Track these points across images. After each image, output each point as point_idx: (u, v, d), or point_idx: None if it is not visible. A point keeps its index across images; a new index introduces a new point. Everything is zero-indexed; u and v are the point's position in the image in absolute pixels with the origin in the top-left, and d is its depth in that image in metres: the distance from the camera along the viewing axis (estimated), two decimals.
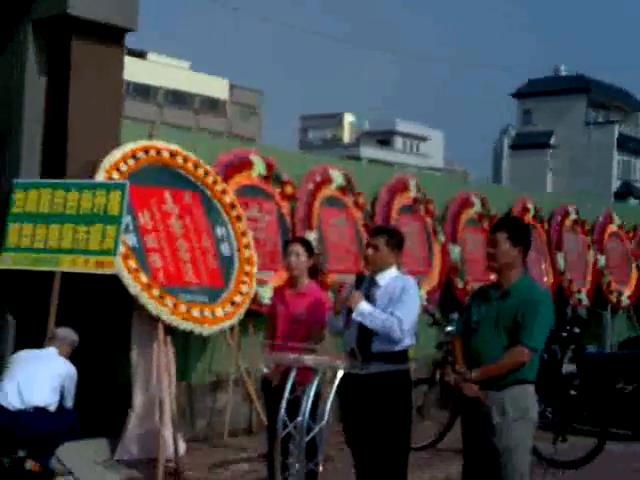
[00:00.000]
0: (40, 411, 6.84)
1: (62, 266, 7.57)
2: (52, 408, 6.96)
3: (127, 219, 7.74)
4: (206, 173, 8.65)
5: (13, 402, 6.73)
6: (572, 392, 9.08)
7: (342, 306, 5.75)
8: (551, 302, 5.35)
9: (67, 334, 7.29)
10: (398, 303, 5.60)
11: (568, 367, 10.04)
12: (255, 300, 8.75)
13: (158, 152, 8.30)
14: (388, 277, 5.77)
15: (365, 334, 5.64)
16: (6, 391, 6.78)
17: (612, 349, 13.53)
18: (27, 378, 6.88)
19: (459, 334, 5.46)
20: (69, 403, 7.15)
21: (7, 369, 7.03)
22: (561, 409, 8.66)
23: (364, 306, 5.60)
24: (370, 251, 5.82)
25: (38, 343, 7.29)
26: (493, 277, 5.46)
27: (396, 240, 5.87)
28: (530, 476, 5.21)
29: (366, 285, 5.78)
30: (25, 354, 7.14)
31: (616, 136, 64.66)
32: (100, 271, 7.50)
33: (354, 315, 5.60)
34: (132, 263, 7.62)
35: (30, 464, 6.75)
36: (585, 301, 13.76)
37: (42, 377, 6.94)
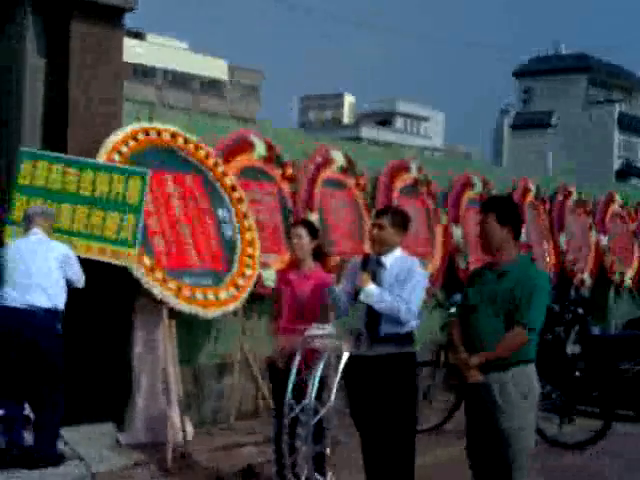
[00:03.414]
0: (47, 312, 6.76)
1: (77, 251, 7.26)
2: (59, 306, 6.86)
3: None
4: (207, 155, 8.59)
5: (18, 300, 6.70)
6: (577, 373, 9.06)
7: (347, 286, 5.71)
8: (547, 280, 5.32)
9: (37, 210, 7.12)
10: (405, 285, 5.56)
11: (572, 348, 10.01)
12: (258, 283, 8.72)
13: (159, 134, 8.23)
14: (393, 257, 5.73)
15: (374, 316, 5.60)
16: (10, 293, 6.73)
17: (616, 330, 13.52)
18: (29, 278, 6.77)
19: (457, 318, 5.43)
20: (79, 283, 7.05)
21: (5, 268, 6.85)
22: (566, 391, 8.64)
23: (371, 288, 5.56)
24: (376, 231, 5.79)
25: None
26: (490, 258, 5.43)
27: (401, 220, 5.83)
28: (535, 457, 5.19)
29: (372, 266, 5.74)
30: (18, 250, 6.93)
31: (617, 115, 64.50)
32: (117, 262, 7.36)
33: (361, 297, 5.56)
34: None
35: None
36: (588, 282, 13.74)
37: (44, 274, 6.79)
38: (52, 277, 6.83)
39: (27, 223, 7.05)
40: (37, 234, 7.00)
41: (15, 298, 6.71)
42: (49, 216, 7.14)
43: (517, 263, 5.19)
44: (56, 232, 7.29)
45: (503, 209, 5.26)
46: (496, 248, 5.20)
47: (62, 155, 7.64)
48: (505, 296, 5.07)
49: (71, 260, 7.02)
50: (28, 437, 6.91)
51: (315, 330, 5.82)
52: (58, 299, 6.85)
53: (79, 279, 7.05)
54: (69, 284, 6.99)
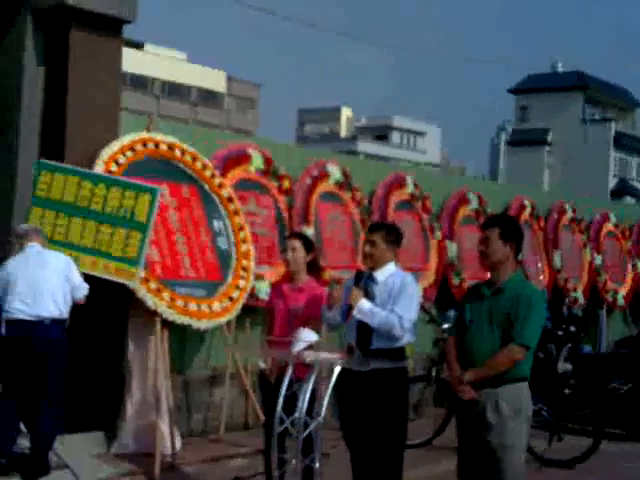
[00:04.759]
0: (55, 322, 6.75)
1: (83, 267, 7.26)
2: (65, 315, 6.85)
3: None
4: (204, 166, 8.62)
5: (26, 312, 6.66)
6: (567, 391, 9.07)
7: (342, 302, 5.73)
8: (543, 299, 5.37)
9: (28, 227, 7.10)
10: (398, 300, 5.59)
11: (564, 366, 10.04)
12: (252, 295, 8.73)
13: (156, 145, 8.27)
14: (386, 273, 5.75)
15: (365, 331, 5.63)
16: (17, 306, 6.68)
17: (608, 348, 13.54)
18: (35, 289, 6.73)
19: (453, 334, 5.45)
20: (81, 292, 7.00)
21: (9, 283, 6.78)
22: (556, 408, 8.65)
23: (364, 303, 5.59)
24: (368, 247, 5.81)
25: None
26: (488, 274, 5.45)
27: (394, 236, 5.86)
28: (525, 474, 5.20)
29: (365, 281, 5.77)
30: (20, 263, 6.87)
31: (613, 134, 64.63)
32: (119, 279, 7.36)
33: (354, 312, 5.59)
34: None
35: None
36: (581, 300, 13.75)
37: (49, 284, 6.77)
38: (58, 286, 6.83)
39: (21, 240, 7.01)
40: (35, 247, 6.99)
41: (23, 310, 6.69)
42: (41, 233, 7.15)
43: (513, 281, 5.22)
44: (64, 246, 7.31)
45: (507, 226, 5.31)
46: (495, 264, 5.23)
47: (80, 169, 7.61)
48: (501, 313, 5.10)
49: (73, 267, 7.03)
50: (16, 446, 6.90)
51: (302, 335, 5.82)
52: (64, 307, 6.86)
53: (82, 286, 7.02)
54: (73, 294, 6.98)
